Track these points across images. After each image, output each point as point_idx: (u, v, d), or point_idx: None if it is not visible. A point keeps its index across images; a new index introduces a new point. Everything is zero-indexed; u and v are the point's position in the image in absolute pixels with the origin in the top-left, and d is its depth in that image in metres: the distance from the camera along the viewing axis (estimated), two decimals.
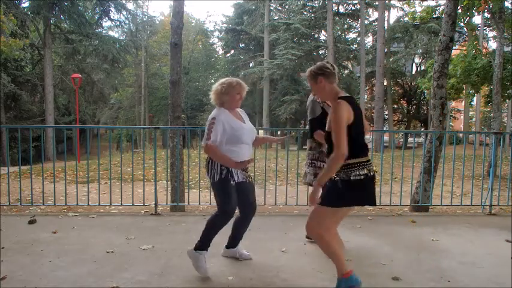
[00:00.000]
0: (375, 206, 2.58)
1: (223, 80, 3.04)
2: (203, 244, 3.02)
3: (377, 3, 23.05)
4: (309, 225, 2.58)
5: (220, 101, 2.98)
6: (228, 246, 3.29)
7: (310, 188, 3.79)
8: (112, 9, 22.68)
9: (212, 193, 3.13)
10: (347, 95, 2.52)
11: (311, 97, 3.51)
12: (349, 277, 2.55)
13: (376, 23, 23.99)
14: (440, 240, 3.90)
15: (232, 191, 2.98)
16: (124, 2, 24.77)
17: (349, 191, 2.45)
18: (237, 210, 3.08)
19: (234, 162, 2.94)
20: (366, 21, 25.73)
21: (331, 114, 2.46)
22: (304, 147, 3.76)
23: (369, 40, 28.79)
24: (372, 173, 2.48)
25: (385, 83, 24.90)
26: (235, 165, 2.93)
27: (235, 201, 3.01)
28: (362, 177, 2.44)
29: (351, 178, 2.43)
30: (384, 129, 26.82)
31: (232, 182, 2.96)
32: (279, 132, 15.67)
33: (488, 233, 4.27)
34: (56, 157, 7.72)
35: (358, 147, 2.46)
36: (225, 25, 33.35)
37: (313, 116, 3.44)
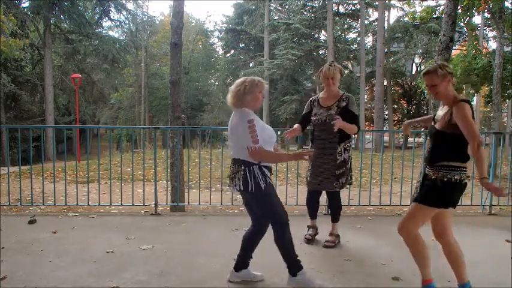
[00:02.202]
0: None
1: (241, 80, 2.75)
2: (294, 264, 2.78)
3: (377, 3, 23.04)
4: (404, 226, 2.62)
5: (241, 102, 2.69)
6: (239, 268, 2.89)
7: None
8: (112, 9, 22.73)
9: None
10: (466, 98, 2.56)
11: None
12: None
13: (376, 23, 23.97)
14: None
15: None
16: (124, 2, 24.81)
17: (454, 193, 2.50)
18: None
19: (294, 153, 2.82)
20: (366, 21, 25.71)
21: (454, 114, 2.45)
22: (304, 147, 3.88)
23: (369, 40, 28.78)
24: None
25: (385, 83, 24.87)
26: (297, 155, 2.79)
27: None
28: (465, 181, 2.49)
29: (459, 180, 2.46)
30: (384, 129, 26.80)
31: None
32: (279, 133, 15.60)
33: (488, 233, 4.27)
34: (56, 157, 7.72)
35: (466, 152, 2.50)
36: (225, 25, 33.31)
37: (303, 112, 3.87)
